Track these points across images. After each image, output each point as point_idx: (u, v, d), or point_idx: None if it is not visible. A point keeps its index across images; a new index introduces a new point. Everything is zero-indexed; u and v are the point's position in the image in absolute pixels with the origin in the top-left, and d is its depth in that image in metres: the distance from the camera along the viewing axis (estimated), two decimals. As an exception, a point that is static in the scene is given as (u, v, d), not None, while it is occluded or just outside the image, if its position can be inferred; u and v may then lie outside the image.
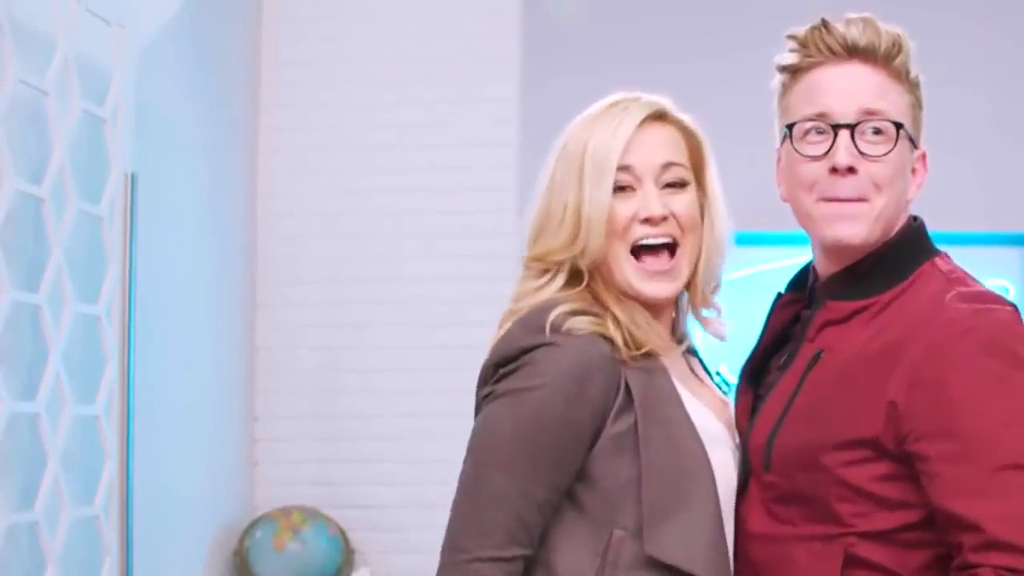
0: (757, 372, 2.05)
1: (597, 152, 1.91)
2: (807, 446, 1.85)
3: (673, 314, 2.03)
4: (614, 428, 1.85)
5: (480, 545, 1.82)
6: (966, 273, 1.93)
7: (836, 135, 1.89)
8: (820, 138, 1.91)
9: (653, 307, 1.96)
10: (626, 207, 1.93)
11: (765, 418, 1.93)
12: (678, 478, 1.85)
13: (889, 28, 1.95)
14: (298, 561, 4.20)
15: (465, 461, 1.88)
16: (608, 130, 1.92)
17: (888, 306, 1.88)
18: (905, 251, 1.92)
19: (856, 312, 1.90)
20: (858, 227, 1.89)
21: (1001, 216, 4.57)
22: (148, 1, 3.59)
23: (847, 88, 1.91)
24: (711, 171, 1.99)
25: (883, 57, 1.92)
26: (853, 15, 1.95)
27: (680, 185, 1.95)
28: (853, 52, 1.92)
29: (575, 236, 1.91)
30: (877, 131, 1.89)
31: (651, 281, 1.93)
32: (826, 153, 1.89)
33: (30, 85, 2.90)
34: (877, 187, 1.89)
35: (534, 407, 1.83)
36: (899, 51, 1.93)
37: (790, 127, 1.93)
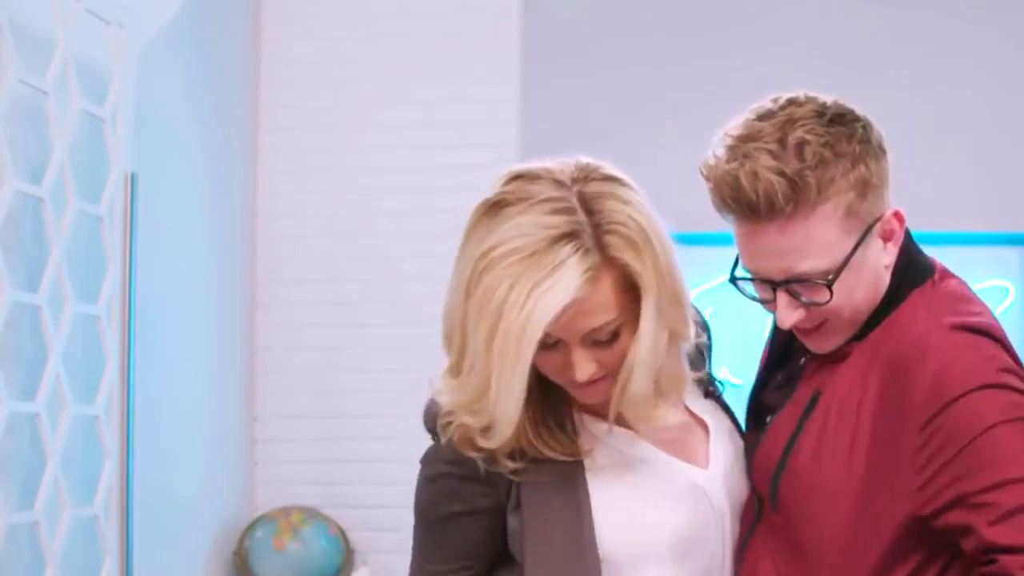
0: (762, 384, 2.02)
1: (509, 333, 1.66)
2: (811, 492, 1.82)
3: None
4: (512, 522, 1.85)
5: None
6: (953, 290, 1.87)
7: (775, 291, 1.80)
8: (763, 285, 1.81)
9: None
10: (552, 362, 1.75)
11: (767, 452, 1.89)
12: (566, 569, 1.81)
13: (792, 157, 1.72)
14: (298, 561, 4.20)
15: None
16: (528, 305, 1.65)
17: (879, 342, 1.83)
18: (889, 298, 1.85)
19: (846, 356, 1.86)
20: (829, 343, 1.85)
21: (1001, 216, 4.57)
22: (148, 1, 3.59)
23: (764, 252, 1.77)
24: (648, 296, 1.71)
25: (790, 207, 1.72)
26: (763, 159, 1.72)
27: (611, 339, 1.73)
28: (756, 214, 1.73)
29: (481, 403, 1.73)
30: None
31: (581, 393, 1.81)
32: (773, 301, 1.81)
33: (30, 85, 2.90)
34: (833, 313, 1.81)
35: (419, 498, 1.90)
36: (806, 186, 1.71)
37: (733, 269, 1.85)
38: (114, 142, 3.25)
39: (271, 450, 4.54)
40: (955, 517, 1.71)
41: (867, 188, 1.76)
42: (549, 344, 1.71)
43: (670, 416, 1.83)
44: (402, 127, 4.53)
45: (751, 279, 1.82)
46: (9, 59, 2.79)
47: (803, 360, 1.92)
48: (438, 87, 4.53)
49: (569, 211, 1.69)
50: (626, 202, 1.72)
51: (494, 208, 1.73)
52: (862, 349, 1.84)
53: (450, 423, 1.81)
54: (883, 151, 1.80)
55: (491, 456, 1.79)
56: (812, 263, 1.76)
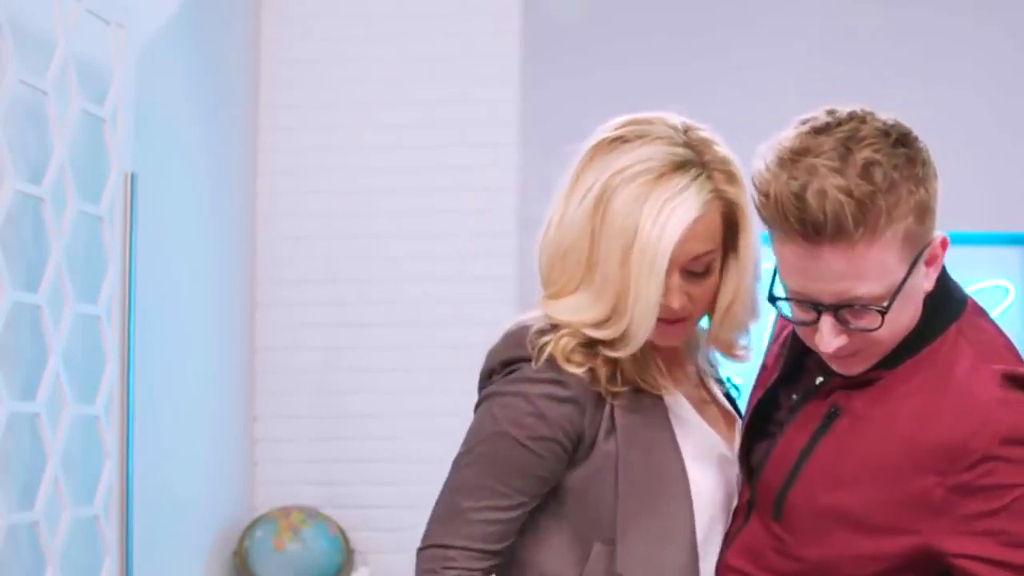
0: (768, 399, 1.98)
1: (647, 245, 1.80)
2: (824, 514, 1.80)
3: (680, 352, 2.00)
4: (606, 447, 1.87)
5: (448, 534, 1.86)
6: (992, 332, 1.84)
7: (819, 315, 1.74)
8: (806, 307, 1.76)
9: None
10: None
11: (777, 464, 1.87)
12: (654, 501, 1.86)
13: (859, 177, 1.67)
14: (298, 561, 4.21)
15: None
16: (660, 219, 1.81)
17: (904, 381, 1.79)
18: (922, 328, 1.81)
19: (872, 381, 1.82)
20: (859, 367, 1.81)
21: (1001, 216, 4.57)
22: (148, 1, 3.59)
23: (819, 275, 1.71)
24: (749, 232, 1.89)
25: (856, 230, 1.67)
26: (832, 179, 1.66)
27: (705, 273, 1.87)
28: (820, 234, 1.68)
29: (612, 319, 1.84)
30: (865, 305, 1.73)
31: (659, 332, 1.89)
32: (815, 322, 1.76)
33: (30, 85, 2.90)
34: (876, 342, 1.77)
35: (503, 415, 1.86)
36: (875, 206, 1.67)
37: (771, 287, 1.82)
38: (114, 142, 3.25)
39: (271, 450, 4.54)
40: (974, 567, 1.71)
41: (925, 212, 1.73)
42: None
43: (747, 352, 1.99)
44: (402, 127, 4.53)
45: (795, 300, 1.77)
46: (9, 59, 2.79)
47: (819, 380, 1.87)
48: (438, 87, 4.53)
49: (686, 145, 1.86)
50: (725, 149, 1.90)
51: (613, 143, 1.88)
52: (896, 376, 1.80)
53: (548, 342, 1.86)
54: (936, 174, 1.76)
55: (593, 374, 1.85)
56: (869, 288, 1.71)
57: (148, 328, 3.46)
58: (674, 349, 1.98)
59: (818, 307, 1.74)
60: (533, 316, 1.91)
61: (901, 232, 1.70)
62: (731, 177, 1.87)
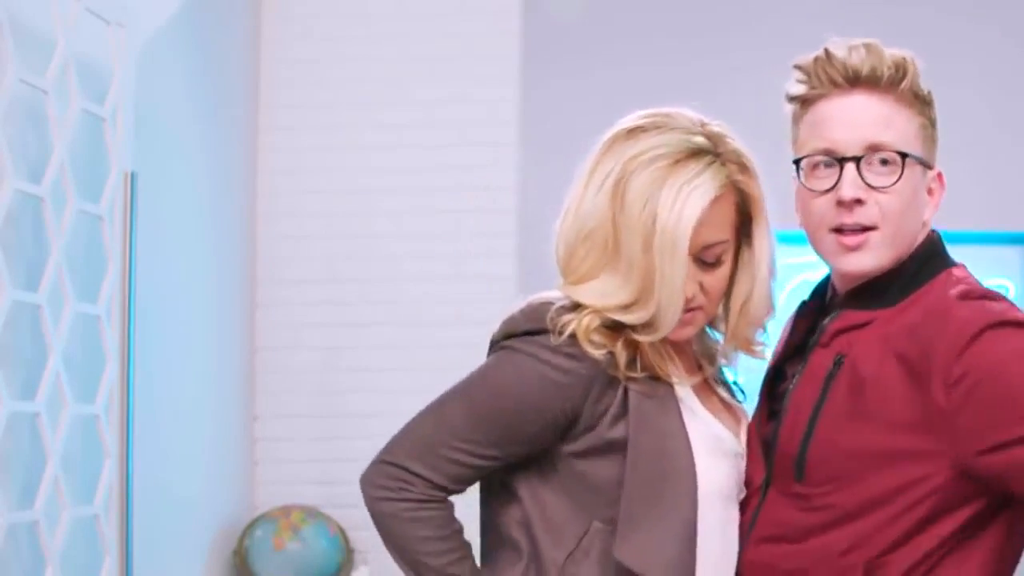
0: (774, 379, 2.05)
1: (666, 229, 1.85)
2: (847, 457, 1.85)
3: (691, 346, 2.03)
4: (610, 433, 1.88)
5: (413, 460, 1.92)
6: (976, 280, 1.94)
7: (842, 168, 1.90)
8: (828, 172, 1.91)
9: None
10: None
11: (791, 427, 1.92)
12: (659, 489, 1.87)
13: (894, 52, 1.93)
14: (298, 560, 4.21)
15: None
16: (677, 203, 1.86)
17: (899, 315, 1.89)
18: (919, 265, 1.94)
19: (868, 322, 1.91)
20: (868, 258, 1.91)
21: (1001, 216, 4.57)
22: (148, 1, 3.59)
23: (851, 120, 1.91)
24: (763, 223, 1.96)
25: (887, 84, 1.91)
26: (856, 41, 1.94)
27: (716, 264, 1.92)
28: (856, 81, 1.91)
29: (640, 303, 1.87)
30: (884, 161, 1.90)
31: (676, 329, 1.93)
32: (833, 187, 1.90)
33: (30, 84, 2.90)
34: (885, 216, 1.90)
35: (511, 372, 1.89)
36: (904, 75, 1.91)
37: (798, 162, 1.94)
38: (114, 141, 3.25)
39: (271, 449, 4.54)
40: (997, 460, 1.76)
41: (933, 133, 1.96)
42: None
43: (762, 348, 2.04)
44: (402, 127, 4.53)
45: (819, 159, 1.91)
46: (9, 59, 2.79)
47: (825, 321, 1.96)
48: (438, 87, 4.53)
49: (702, 135, 1.92)
50: (739, 143, 1.96)
51: (633, 132, 1.92)
52: (887, 317, 1.90)
53: (570, 320, 1.88)
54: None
55: (612, 357, 1.88)
56: (892, 138, 1.89)
57: (148, 328, 3.46)
58: (681, 349, 1.99)
59: (841, 160, 1.89)
60: (554, 295, 1.93)
61: (917, 123, 1.93)
62: (744, 168, 1.93)
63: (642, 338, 1.88)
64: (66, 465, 3.03)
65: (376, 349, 4.51)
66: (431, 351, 4.46)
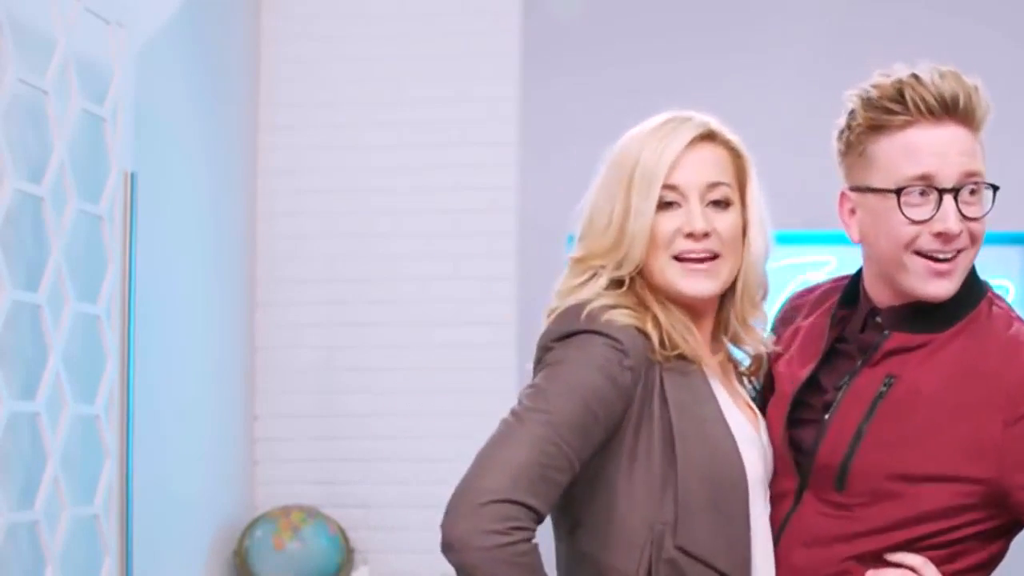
0: (806, 386, 2.04)
1: (646, 167, 1.97)
2: (889, 477, 1.89)
3: (712, 328, 2.06)
4: (652, 419, 1.91)
5: (502, 487, 1.78)
6: (1008, 306, 2.02)
7: (941, 199, 1.92)
8: (922, 199, 1.93)
9: (693, 313, 2.00)
10: (671, 221, 1.98)
11: (835, 438, 1.94)
12: (712, 474, 1.90)
13: (972, 82, 1.97)
14: (298, 560, 4.21)
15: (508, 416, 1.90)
16: (658, 147, 1.98)
17: (951, 342, 1.93)
18: (967, 289, 1.98)
19: (920, 345, 1.94)
20: (952, 284, 1.95)
21: (1001, 216, 4.56)
22: (148, 1, 3.59)
23: (947, 151, 1.94)
24: (754, 189, 2.03)
25: (979, 120, 1.97)
26: (940, 68, 1.94)
27: (725, 204, 1.99)
28: (950, 111, 1.94)
29: (617, 244, 1.97)
30: (973, 191, 1.96)
31: (691, 277, 1.97)
32: (931, 217, 1.92)
33: (30, 84, 2.90)
34: (973, 242, 1.97)
35: (570, 375, 1.89)
36: (988, 112, 1.98)
37: (898, 192, 1.93)
38: (114, 141, 3.25)
39: (271, 449, 4.54)
40: None
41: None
42: (670, 201, 1.97)
43: (764, 335, 2.08)
44: (402, 126, 4.53)
45: (917, 188, 1.92)
46: (9, 59, 2.79)
47: (879, 338, 1.97)
48: (438, 86, 4.53)
49: (702, 124, 2.02)
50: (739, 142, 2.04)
51: (639, 126, 2.05)
52: (944, 339, 1.93)
53: (605, 309, 1.93)
54: None
55: (648, 342, 1.93)
56: (980, 167, 1.97)
57: (148, 328, 3.46)
58: (704, 329, 2.02)
59: (940, 191, 1.91)
60: (582, 298, 1.96)
61: (981, 149, 1.98)
62: (739, 153, 2.02)
63: (624, 272, 1.96)
64: (66, 465, 3.03)
65: (376, 349, 4.51)
66: (431, 351, 4.46)
